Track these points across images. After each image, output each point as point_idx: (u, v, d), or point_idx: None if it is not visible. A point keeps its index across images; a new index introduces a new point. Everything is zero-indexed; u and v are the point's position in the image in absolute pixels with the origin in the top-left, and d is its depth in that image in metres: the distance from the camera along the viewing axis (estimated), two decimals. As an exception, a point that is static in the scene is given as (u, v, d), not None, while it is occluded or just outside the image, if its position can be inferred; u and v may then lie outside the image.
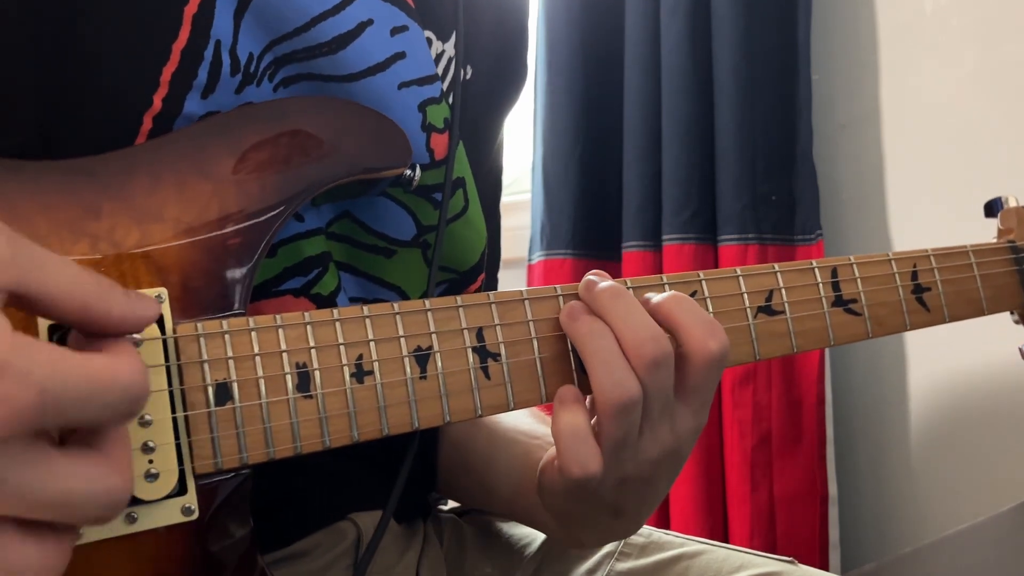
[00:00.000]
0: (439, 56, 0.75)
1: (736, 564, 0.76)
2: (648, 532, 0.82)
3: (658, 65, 1.48)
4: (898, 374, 1.37)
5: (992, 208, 0.88)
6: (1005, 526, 1.02)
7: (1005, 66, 1.27)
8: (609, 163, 1.57)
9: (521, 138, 1.75)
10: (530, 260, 1.62)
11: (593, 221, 1.58)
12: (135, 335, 0.49)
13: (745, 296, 0.68)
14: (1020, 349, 0.88)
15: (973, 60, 1.30)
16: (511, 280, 0.93)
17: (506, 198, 0.95)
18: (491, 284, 0.91)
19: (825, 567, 1.35)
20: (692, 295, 0.66)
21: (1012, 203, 0.87)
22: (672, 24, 1.45)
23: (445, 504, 0.88)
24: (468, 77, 0.79)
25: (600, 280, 0.61)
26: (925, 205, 1.34)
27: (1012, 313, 0.87)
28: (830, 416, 1.37)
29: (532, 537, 0.82)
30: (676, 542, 0.80)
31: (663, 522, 1.46)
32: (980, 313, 0.80)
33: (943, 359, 1.33)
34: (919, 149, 1.36)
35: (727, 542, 1.18)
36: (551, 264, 1.57)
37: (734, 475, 1.39)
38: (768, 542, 1.37)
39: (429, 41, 0.73)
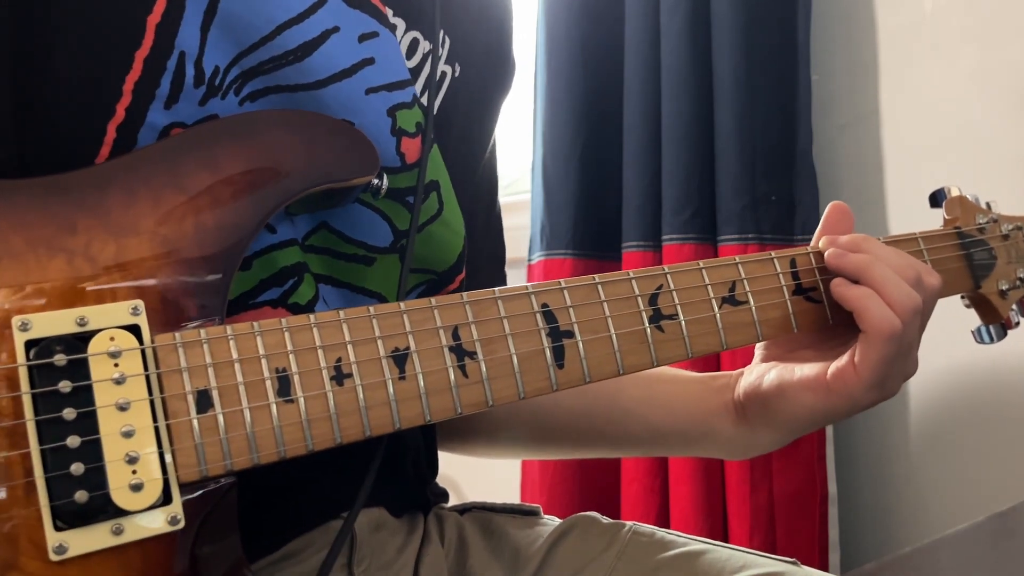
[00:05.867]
0: (427, 55, 0.75)
1: (739, 564, 0.76)
2: (651, 531, 0.82)
3: (658, 65, 1.47)
4: (898, 374, 1.37)
5: (936, 199, 0.91)
6: (1005, 526, 1.02)
7: (1005, 66, 1.27)
8: (609, 163, 1.57)
9: (521, 138, 1.75)
10: (530, 260, 1.62)
11: (593, 221, 1.58)
12: None
13: (709, 288, 0.71)
14: (972, 332, 0.91)
15: (973, 60, 1.30)
16: (511, 280, 0.94)
17: (506, 198, 0.95)
18: (499, 279, 0.92)
19: (825, 567, 1.35)
20: (658, 288, 0.69)
21: (955, 192, 0.90)
22: (672, 24, 1.44)
23: (446, 502, 0.89)
24: (456, 75, 0.79)
25: (837, 236, 0.76)
26: (925, 205, 1.33)
27: (963, 297, 0.90)
28: (830, 415, 1.37)
29: (536, 536, 0.83)
30: (679, 541, 0.80)
31: (663, 522, 1.46)
32: None
33: (943, 358, 1.33)
34: (919, 149, 1.36)
35: (727, 542, 1.18)
36: (551, 264, 1.57)
37: (734, 475, 1.39)
38: (768, 542, 1.37)
39: (416, 41, 0.74)
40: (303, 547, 0.72)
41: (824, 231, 0.80)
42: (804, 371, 0.76)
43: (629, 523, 0.83)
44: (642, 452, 0.96)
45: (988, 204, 0.91)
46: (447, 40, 0.78)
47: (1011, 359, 1.24)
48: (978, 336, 0.90)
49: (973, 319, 0.91)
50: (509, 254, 0.95)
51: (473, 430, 0.91)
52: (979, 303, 0.89)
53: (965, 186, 0.91)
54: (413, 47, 0.74)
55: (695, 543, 0.79)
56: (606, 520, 0.84)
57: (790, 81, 1.39)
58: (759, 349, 0.83)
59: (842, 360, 0.73)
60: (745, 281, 0.73)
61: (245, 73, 0.65)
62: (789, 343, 0.81)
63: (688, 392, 0.86)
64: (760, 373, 0.80)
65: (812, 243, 0.79)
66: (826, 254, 0.75)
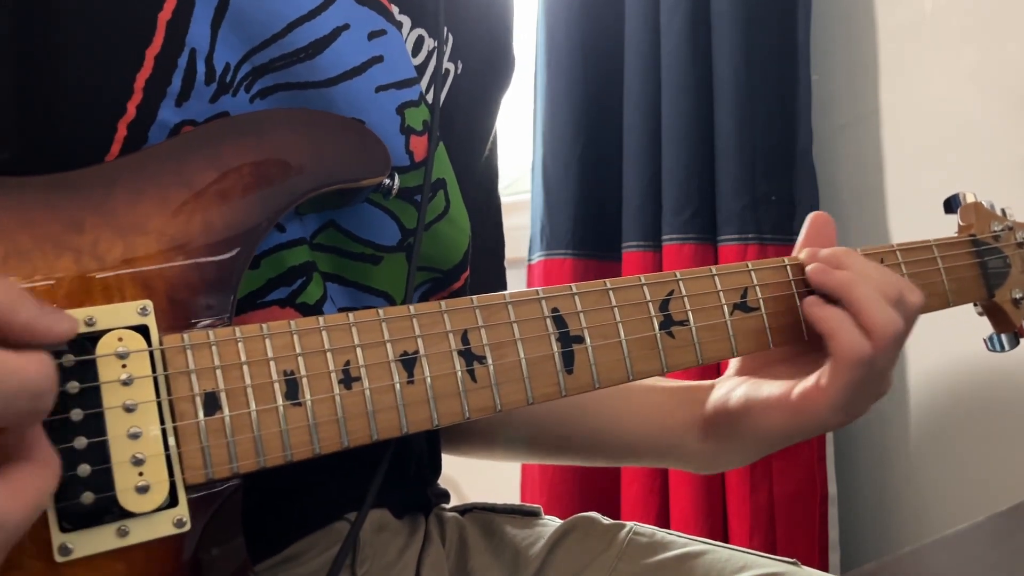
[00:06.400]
0: (431, 52, 0.75)
1: (739, 564, 0.76)
2: (652, 532, 0.82)
3: (658, 65, 1.47)
4: (898, 373, 1.37)
5: (951, 205, 0.90)
6: (1005, 526, 1.02)
7: (1005, 66, 1.27)
8: (609, 163, 1.57)
9: (521, 138, 1.75)
10: (530, 260, 1.62)
11: (593, 221, 1.58)
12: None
13: (721, 294, 0.71)
14: (984, 340, 0.90)
15: (973, 60, 1.30)
16: (511, 280, 0.94)
17: (506, 198, 0.95)
18: (499, 275, 0.92)
19: (825, 567, 1.35)
20: (669, 294, 0.68)
21: (970, 199, 0.89)
22: (672, 24, 1.44)
23: (447, 502, 0.89)
24: (459, 72, 0.79)
25: (818, 249, 0.74)
26: (925, 205, 1.33)
27: (975, 305, 0.89)
28: (829, 415, 1.37)
29: (537, 536, 0.83)
30: (679, 542, 0.80)
31: (663, 522, 1.46)
32: (946, 305, 0.83)
33: (943, 358, 1.33)
34: (919, 149, 1.36)
35: (727, 542, 1.18)
36: (551, 264, 1.57)
37: (734, 475, 1.39)
38: (768, 542, 1.37)
39: (421, 38, 0.74)
40: (306, 549, 0.72)
41: (806, 242, 0.78)
42: (771, 389, 0.75)
43: (629, 523, 0.83)
44: (612, 462, 0.96)
45: (1003, 211, 0.90)
46: (450, 37, 0.78)
47: (1011, 359, 1.24)
48: (990, 345, 0.89)
49: (972, 318, 0.91)
50: (509, 254, 0.95)
51: (473, 433, 0.91)
52: (992, 311, 0.88)
53: (965, 186, 0.91)
54: (418, 44, 0.74)
55: (695, 543, 0.80)
56: (606, 521, 0.84)
57: (790, 81, 1.39)
58: (733, 362, 0.82)
59: (809, 381, 0.72)
60: (757, 288, 0.73)
61: (256, 70, 0.65)
62: (764, 356, 0.79)
63: (660, 404, 0.85)
64: (729, 388, 0.79)
65: (793, 253, 0.77)
66: (808, 269, 0.73)
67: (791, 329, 0.74)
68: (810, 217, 0.79)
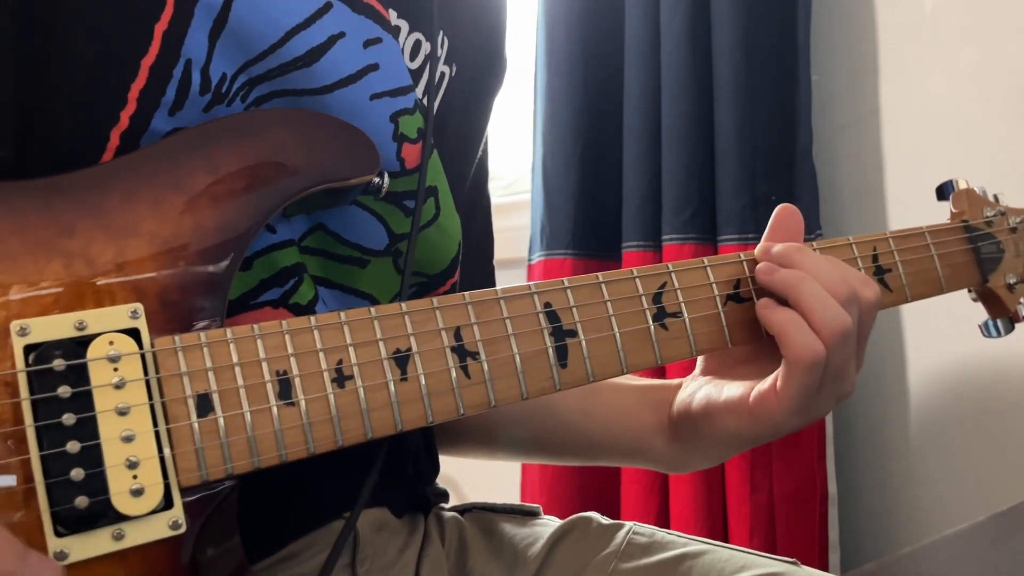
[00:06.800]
0: (428, 57, 0.75)
1: (739, 564, 0.75)
2: (651, 532, 0.82)
3: (658, 65, 1.47)
4: (897, 373, 1.37)
5: (943, 191, 0.90)
6: (1005, 526, 1.02)
7: (1005, 66, 1.27)
8: (609, 163, 1.57)
9: (521, 138, 1.75)
10: (530, 260, 1.62)
11: (593, 221, 1.58)
12: None
13: (714, 286, 0.71)
14: (979, 326, 0.90)
15: (973, 60, 1.30)
16: (511, 280, 0.93)
17: (506, 198, 0.95)
18: (487, 275, 0.92)
19: (825, 567, 1.35)
20: (662, 287, 0.68)
21: (962, 185, 0.89)
22: (672, 24, 1.44)
23: (447, 502, 0.89)
24: (453, 75, 0.79)
25: (772, 245, 0.71)
26: (925, 205, 1.33)
27: (969, 291, 0.89)
28: (830, 415, 1.37)
29: (536, 536, 0.83)
30: (679, 542, 0.80)
31: (663, 522, 1.46)
32: (940, 291, 0.83)
33: (943, 358, 1.33)
34: (919, 149, 1.35)
35: (727, 542, 1.18)
36: (551, 264, 1.57)
37: (734, 475, 1.39)
38: (768, 542, 1.37)
39: (419, 43, 0.74)
40: (304, 548, 0.72)
41: (769, 236, 0.75)
42: (731, 391, 0.73)
43: (629, 523, 0.83)
44: (580, 462, 0.95)
45: (995, 196, 0.90)
46: (445, 40, 0.78)
47: (1012, 358, 1.24)
48: (985, 330, 0.89)
49: (972, 317, 0.91)
50: (509, 254, 0.95)
51: (443, 433, 0.90)
52: (986, 297, 0.88)
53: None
54: (416, 49, 0.74)
55: (695, 543, 0.79)
56: (606, 520, 0.84)
57: (790, 81, 1.39)
58: (700, 361, 0.81)
59: (765, 384, 0.70)
60: (750, 279, 0.72)
61: (252, 80, 0.65)
62: (727, 356, 0.78)
63: (626, 406, 0.84)
64: (693, 390, 0.78)
65: (757, 248, 0.75)
66: (757, 268, 0.71)
67: None
68: (777, 210, 0.77)
